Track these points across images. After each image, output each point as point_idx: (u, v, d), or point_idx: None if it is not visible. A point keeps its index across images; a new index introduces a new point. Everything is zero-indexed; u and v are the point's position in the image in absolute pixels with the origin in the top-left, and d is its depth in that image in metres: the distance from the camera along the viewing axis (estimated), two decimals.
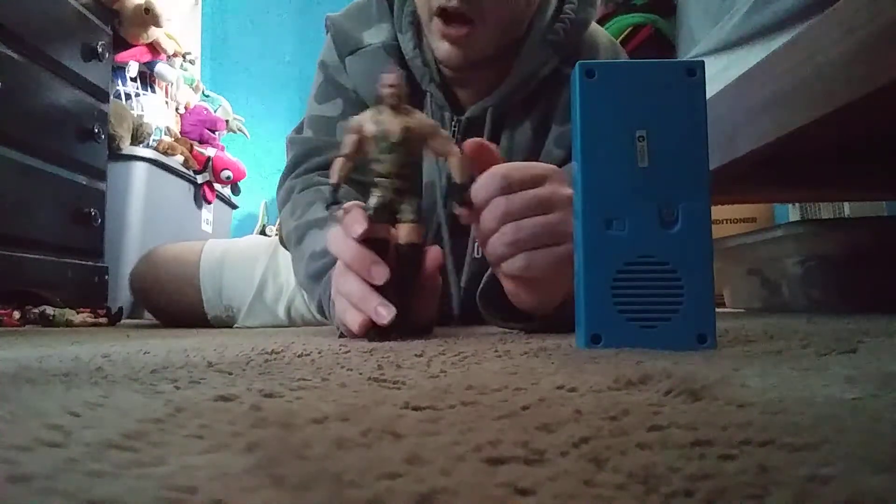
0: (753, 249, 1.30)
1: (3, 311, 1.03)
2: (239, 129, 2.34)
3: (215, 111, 2.23)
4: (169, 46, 1.91)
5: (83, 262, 1.36)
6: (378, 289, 0.48)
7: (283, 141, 0.86)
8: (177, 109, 2.06)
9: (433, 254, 0.51)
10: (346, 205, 0.50)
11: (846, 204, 1.83)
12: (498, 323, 0.60)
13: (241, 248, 1.10)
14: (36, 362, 0.36)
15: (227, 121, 2.27)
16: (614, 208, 0.39)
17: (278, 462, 0.14)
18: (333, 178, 0.49)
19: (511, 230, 0.47)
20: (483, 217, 0.48)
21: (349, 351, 0.41)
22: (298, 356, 0.38)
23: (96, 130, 1.40)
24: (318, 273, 0.64)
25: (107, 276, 1.45)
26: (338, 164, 0.49)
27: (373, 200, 0.50)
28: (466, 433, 0.16)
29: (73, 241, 1.33)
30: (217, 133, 2.18)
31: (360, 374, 0.29)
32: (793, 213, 2.05)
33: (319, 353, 0.40)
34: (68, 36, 1.33)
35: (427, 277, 0.51)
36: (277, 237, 1.08)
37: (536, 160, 0.74)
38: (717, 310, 0.43)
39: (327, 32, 0.82)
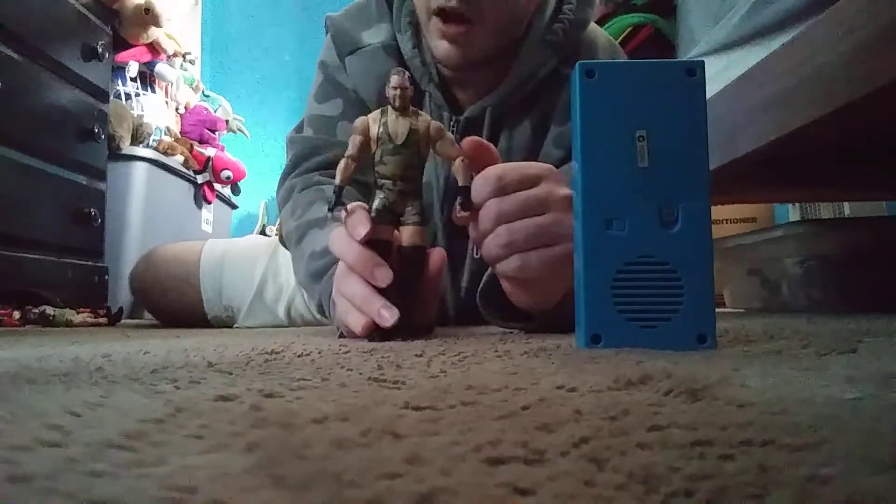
0: (753, 249, 1.30)
1: (3, 311, 1.03)
2: (239, 129, 2.34)
3: (215, 111, 2.23)
4: (169, 46, 1.91)
5: (83, 262, 1.36)
6: (380, 290, 0.48)
7: (282, 141, 0.86)
8: (177, 109, 2.06)
9: (436, 255, 0.51)
10: (350, 206, 0.50)
11: (846, 204, 1.83)
12: (498, 323, 0.60)
13: (240, 247, 1.10)
14: (36, 362, 0.36)
15: (227, 121, 2.27)
16: (614, 208, 0.39)
17: (278, 462, 0.14)
18: (338, 180, 0.49)
19: (505, 231, 0.47)
20: (479, 218, 0.48)
21: (349, 351, 0.41)
22: (298, 356, 0.38)
23: (96, 130, 1.40)
24: (318, 272, 0.64)
25: (107, 276, 1.45)
26: (342, 166, 0.49)
27: (376, 202, 0.50)
28: (466, 433, 0.16)
29: (73, 241, 1.33)
30: (217, 133, 2.18)
31: (360, 374, 0.29)
32: (793, 213, 2.05)
33: (319, 353, 0.40)
34: (68, 36, 1.33)
35: (430, 279, 0.51)
36: (277, 237, 1.08)
37: (535, 160, 0.74)
38: (717, 310, 0.43)
39: (327, 32, 0.82)
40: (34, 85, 1.21)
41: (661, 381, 0.23)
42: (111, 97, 1.59)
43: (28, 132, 1.19)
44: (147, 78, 1.90)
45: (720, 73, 1.00)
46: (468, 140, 0.50)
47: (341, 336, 0.57)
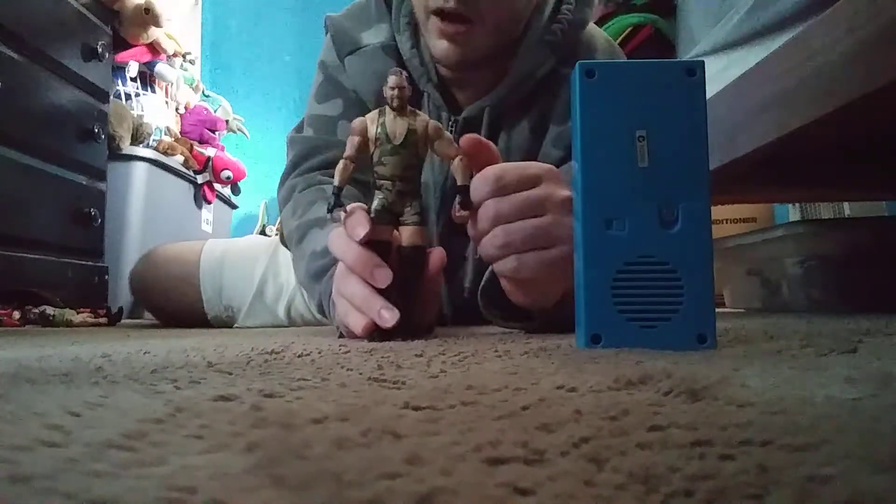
0: (753, 249, 1.30)
1: (3, 311, 1.03)
2: (239, 129, 2.34)
3: (215, 111, 2.23)
4: (169, 46, 1.91)
5: (83, 262, 1.36)
6: (380, 291, 0.48)
7: (283, 141, 0.86)
8: (177, 109, 2.06)
9: (436, 255, 0.51)
10: (349, 206, 0.50)
11: (846, 204, 1.84)
12: (499, 322, 0.60)
13: (241, 247, 1.10)
14: (36, 362, 0.36)
15: (227, 121, 2.27)
16: (614, 208, 0.39)
17: (278, 462, 0.14)
18: (336, 181, 0.49)
19: (502, 233, 0.48)
20: (477, 218, 0.48)
21: (349, 351, 0.41)
22: (298, 356, 0.38)
23: (96, 130, 1.40)
24: (318, 272, 0.64)
25: (107, 276, 1.45)
26: (341, 167, 0.49)
27: (375, 202, 0.50)
28: (466, 433, 0.16)
29: (73, 241, 1.33)
30: (217, 133, 2.18)
31: (360, 374, 0.29)
32: (793, 213, 2.05)
33: (319, 353, 0.40)
34: (68, 36, 1.33)
35: (429, 279, 0.51)
36: (278, 237, 1.08)
37: (534, 160, 0.74)
38: (717, 310, 0.43)
39: (326, 33, 0.82)
40: (34, 85, 1.21)
41: (661, 381, 0.23)
42: (111, 97, 1.59)
43: (28, 132, 1.19)
44: (147, 78, 1.90)
45: (720, 73, 1.00)
46: (467, 137, 0.50)
47: (341, 336, 0.57)
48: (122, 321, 1.26)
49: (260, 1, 3.08)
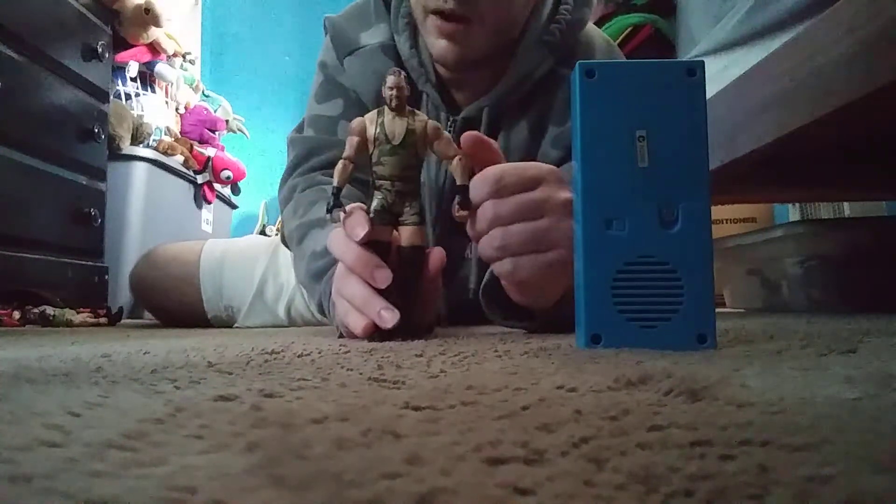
0: (753, 249, 1.30)
1: (3, 311, 1.03)
2: (239, 129, 2.34)
3: (215, 111, 2.23)
4: (169, 46, 1.91)
5: (83, 262, 1.36)
6: (380, 291, 0.48)
7: (283, 141, 0.87)
8: (177, 109, 2.06)
9: (436, 255, 0.51)
10: (348, 207, 0.50)
11: (846, 204, 1.84)
12: (500, 321, 0.60)
13: (241, 247, 1.10)
14: (36, 362, 0.36)
15: (227, 121, 2.27)
16: (614, 208, 0.39)
17: (278, 462, 0.14)
18: (336, 182, 0.49)
19: (499, 235, 0.48)
20: (476, 219, 0.49)
21: (349, 351, 0.41)
22: (298, 356, 0.38)
23: (96, 130, 1.40)
24: (318, 272, 0.64)
25: (107, 276, 1.45)
26: (340, 167, 0.49)
27: (375, 202, 0.50)
28: (466, 433, 0.16)
29: (73, 241, 1.33)
30: (217, 133, 2.18)
31: (360, 374, 0.29)
32: (793, 213, 2.05)
33: (319, 353, 0.40)
34: (68, 36, 1.33)
35: (429, 279, 0.51)
36: (278, 237, 1.08)
37: (533, 160, 0.74)
38: (717, 310, 0.43)
39: (326, 33, 0.82)
40: (34, 85, 1.21)
41: (661, 381, 0.23)
42: (111, 97, 1.59)
43: (28, 132, 1.19)
44: (147, 78, 1.90)
45: (720, 73, 1.00)
46: (467, 135, 0.50)
47: (341, 336, 0.57)
48: (122, 321, 1.26)
49: (260, 1, 3.08)
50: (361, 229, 0.48)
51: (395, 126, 0.49)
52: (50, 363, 0.35)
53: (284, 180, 0.80)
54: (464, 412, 0.19)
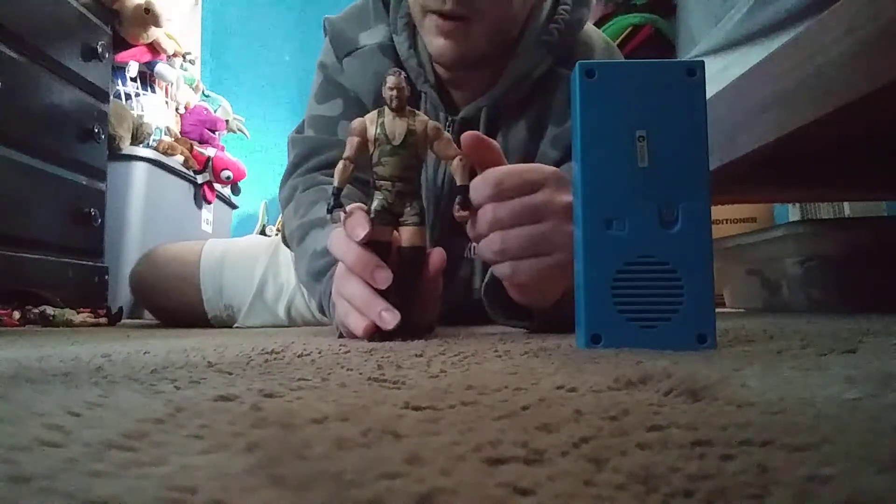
0: (753, 249, 1.30)
1: (3, 311, 1.03)
2: (239, 129, 2.34)
3: (215, 111, 2.23)
4: (169, 46, 1.91)
5: (83, 262, 1.36)
6: (380, 292, 0.48)
7: (283, 141, 0.87)
8: (177, 109, 2.06)
9: (436, 256, 0.51)
10: (349, 207, 0.50)
11: (846, 204, 1.84)
12: (501, 321, 0.60)
13: (241, 247, 1.10)
14: (36, 362, 0.36)
15: (227, 121, 2.27)
16: (614, 208, 0.39)
17: (278, 462, 0.14)
18: (336, 182, 0.49)
19: (499, 238, 0.48)
20: (476, 221, 0.48)
21: (349, 351, 0.41)
22: (298, 356, 0.38)
23: (96, 130, 1.40)
24: (318, 272, 0.64)
25: (107, 276, 1.45)
26: (340, 167, 0.49)
27: (375, 203, 0.50)
28: (466, 433, 0.16)
29: (73, 241, 1.33)
30: (217, 133, 2.18)
31: (360, 374, 0.29)
32: (793, 213, 2.05)
33: (319, 353, 0.40)
34: (68, 36, 1.33)
35: (429, 280, 0.51)
36: (278, 237, 1.08)
37: (532, 160, 0.74)
38: (717, 310, 0.43)
39: (325, 34, 0.82)
40: (34, 85, 1.21)
41: (661, 381, 0.23)
42: (111, 97, 1.59)
43: (28, 132, 1.19)
44: (147, 78, 1.90)
45: (720, 73, 1.00)
46: (468, 135, 0.50)
47: (341, 336, 0.57)
48: (122, 321, 1.26)
49: (260, 1, 3.08)
50: (362, 229, 0.48)
51: (396, 126, 0.49)
52: (50, 363, 0.35)
53: (285, 180, 0.80)
54: (464, 412, 0.19)
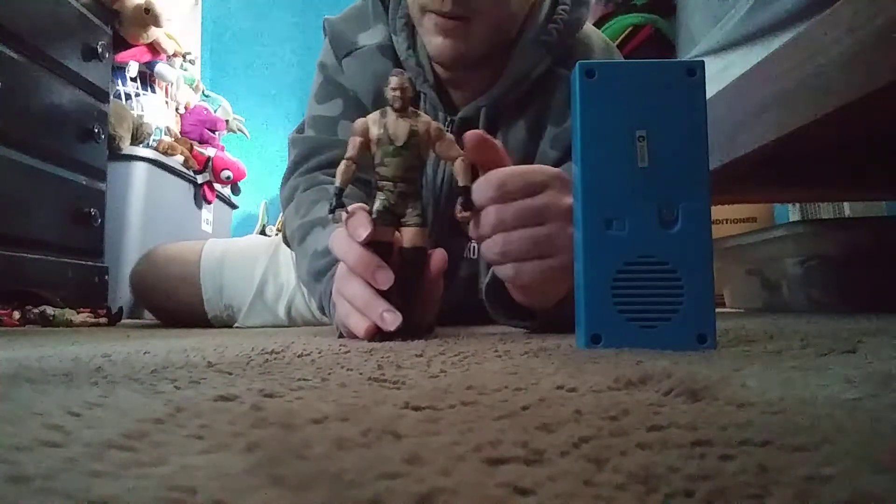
0: (753, 249, 1.30)
1: (3, 311, 1.03)
2: (239, 129, 2.34)
3: (215, 111, 2.23)
4: (169, 46, 1.91)
5: (83, 262, 1.36)
6: (381, 292, 0.48)
7: (283, 141, 0.87)
8: (177, 109, 2.06)
9: (437, 257, 0.51)
10: (351, 207, 0.50)
11: (846, 204, 1.84)
12: (503, 321, 0.60)
13: (241, 247, 1.10)
14: (36, 362, 0.36)
15: (227, 121, 2.27)
16: (614, 208, 0.39)
17: (278, 462, 0.14)
18: (338, 182, 0.49)
19: (501, 240, 0.48)
20: (479, 222, 0.48)
21: (349, 351, 0.41)
22: (298, 356, 0.38)
23: (96, 130, 1.40)
24: (319, 271, 0.64)
25: (107, 276, 1.45)
26: (342, 168, 0.49)
27: (377, 203, 0.50)
28: (466, 433, 0.16)
29: (73, 241, 1.33)
30: (217, 133, 2.18)
31: (360, 374, 0.29)
32: (793, 213, 2.05)
33: (319, 353, 0.40)
34: (68, 36, 1.33)
35: (430, 281, 0.51)
36: (278, 237, 1.08)
37: (531, 160, 0.74)
38: (717, 310, 0.43)
39: (325, 35, 0.82)
40: (34, 85, 1.21)
41: (661, 381, 0.23)
42: (111, 97, 1.59)
43: (28, 132, 1.19)
44: (147, 78, 1.90)
45: (720, 73, 1.00)
46: (471, 133, 0.50)
47: (341, 336, 0.57)
48: (122, 321, 1.26)
49: (260, 1, 3.08)
50: (364, 230, 0.48)
51: (399, 127, 0.49)
52: (50, 363, 0.35)
53: (286, 180, 0.80)
54: (464, 412, 0.19)
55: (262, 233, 2.64)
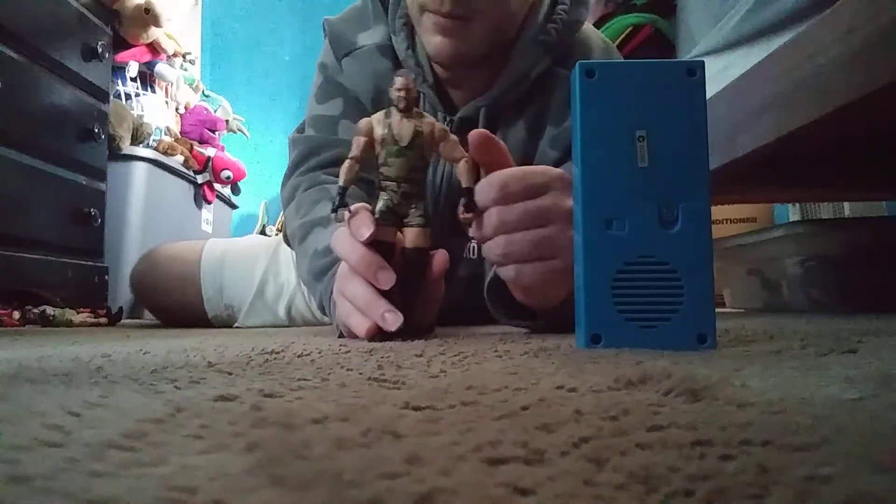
0: (753, 249, 1.30)
1: (3, 311, 1.03)
2: (239, 129, 2.34)
3: (215, 111, 2.23)
4: (169, 46, 1.91)
5: (83, 262, 1.36)
6: (382, 292, 0.48)
7: (283, 141, 0.87)
8: (177, 109, 2.06)
9: (439, 258, 0.51)
10: (353, 207, 0.50)
11: (846, 204, 1.84)
12: (504, 320, 0.60)
13: (241, 247, 1.10)
14: (36, 362, 0.36)
15: (227, 121, 2.27)
16: (614, 208, 0.39)
17: (278, 462, 0.14)
18: (341, 181, 0.49)
19: (503, 242, 0.48)
20: (482, 223, 0.48)
21: (349, 351, 0.41)
22: (298, 356, 0.38)
23: (96, 130, 1.40)
24: (320, 271, 0.64)
25: (107, 276, 1.45)
26: (346, 167, 0.49)
27: (380, 203, 0.50)
28: (466, 433, 0.16)
29: (73, 241, 1.33)
30: (217, 133, 2.18)
31: (360, 374, 0.29)
32: (793, 213, 2.05)
33: (319, 353, 0.40)
34: (68, 36, 1.33)
35: (432, 282, 0.51)
36: (278, 237, 1.08)
37: (531, 160, 0.74)
38: (717, 310, 0.43)
39: (325, 35, 0.82)
40: (34, 85, 1.21)
41: (661, 381, 0.23)
42: (111, 97, 1.58)
43: (28, 132, 1.19)
44: (147, 78, 1.89)
45: (720, 73, 1.00)
46: (475, 133, 0.50)
47: (341, 336, 0.57)
48: (122, 321, 1.26)
49: (260, 1, 3.08)
50: (366, 230, 0.48)
51: (403, 127, 0.49)
52: (50, 363, 0.35)
53: (286, 179, 0.80)
54: (464, 412, 0.19)
55: (262, 233, 2.64)
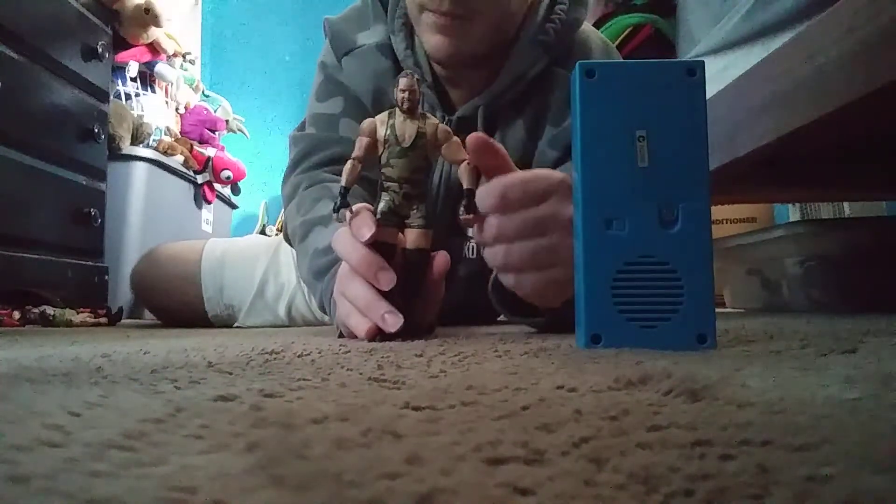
0: (753, 249, 1.30)
1: (3, 311, 1.03)
2: (239, 129, 2.34)
3: (215, 111, 2.23)
4: (169, 46, 1.91)
5: (83, 262, 1.36)
6: (382, 292, 0.48)
7: (283, 141, 0.87)
8: (177, 109, 2.06)
9: (440, 259, 0.51)
10: (355, 207, 0.50)
11: (846, 204, 1.84)
12: (508, 317, 0.60)
13: (241, 247, 1.10)
14: (36, 362, 0.36)
15: (227, 121, 2.27)
16: (614, 208, 0.39)
17: (278, 462, 0.14)
18: (343, 181, 0.49)
19: (502, 251, 0.47)
20: (482, 228, 0.48)
21: (349, 351, 0.41)
22: (298, 356, 0.38)
23: (96, 130, 1.40)
24: (320, 270, 0.64)
25: (107, 276, 1.45)
26: (348, 167, 0.49)
27: (382, 204, 0.49)
28: (466, 433, 0.16)
29: (73, 241, 1.33)
30: (217, 133, 2.18)
31: (360, 374, 0.29)
32: (793, 213, 2.05)
33: (319, 353, 0.40)
34: (68, 36, 1.33)
35: (432, 283, 0.51)
36: (278, 236, 1.08)
37: (530, 160, 0.74)
38: (717, 310, 0.43)
39: (325, 35, 0.82)
40: (34, 85, 1.21)
41: (661, 381, 0.23)
42: (111, 97, 1.58)
43: (28, 132, 1.19)
44: (147, 78, 1.89)
45: (720, 73, 1.00)
46: (473, 137, 0.49)
47: (341, 335, 0.57)
48: (122, 321, 1.26)
49: (260, 1, 3.08)
50: (368, 230, 0.48)
51: (406, 128, 0.49)
52: (50, 363, 0.35)
53: (287, 177, 0.80)
54: (464, 412, 0.19)
55: (263, 233, 2.64)
